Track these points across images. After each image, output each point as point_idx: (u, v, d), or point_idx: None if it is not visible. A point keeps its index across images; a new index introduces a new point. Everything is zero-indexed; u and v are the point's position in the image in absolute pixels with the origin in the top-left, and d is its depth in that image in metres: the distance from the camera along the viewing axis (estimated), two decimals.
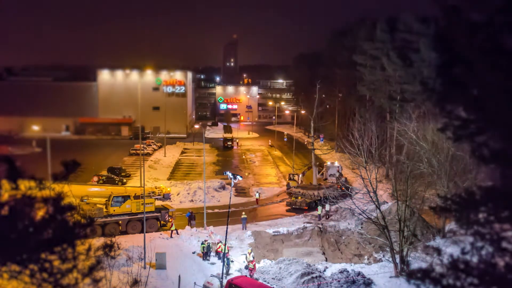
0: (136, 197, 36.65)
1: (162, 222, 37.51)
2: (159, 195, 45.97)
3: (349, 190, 33.68)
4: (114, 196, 36.42)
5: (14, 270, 4.53)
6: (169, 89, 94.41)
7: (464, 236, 5.32)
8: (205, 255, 31.85)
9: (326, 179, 54.48)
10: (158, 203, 40.74)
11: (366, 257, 33.25)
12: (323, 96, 72.20)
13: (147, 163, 61.38)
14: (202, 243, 32.24)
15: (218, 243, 32.30)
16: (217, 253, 31.98)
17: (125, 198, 36.54)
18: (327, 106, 75.46)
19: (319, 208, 42.15)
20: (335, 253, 34.38)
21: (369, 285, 27.85)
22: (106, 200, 37.27)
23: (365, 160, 32.11)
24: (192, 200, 46.91)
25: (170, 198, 46.81)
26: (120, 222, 35.88)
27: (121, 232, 35.36)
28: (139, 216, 35.18)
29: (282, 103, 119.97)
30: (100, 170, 56.05)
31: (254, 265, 29.84)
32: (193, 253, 32.37)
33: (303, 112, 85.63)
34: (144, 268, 26.85)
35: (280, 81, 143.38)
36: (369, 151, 32.86)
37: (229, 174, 36.45)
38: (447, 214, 5.37)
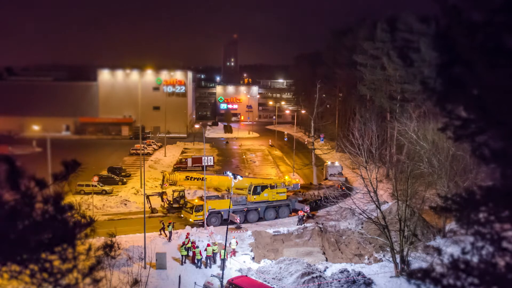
0: (272, 187, 42.08)
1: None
2: (288, 185, 47.45)
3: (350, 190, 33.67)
4: (254, 186, 41.31)
5: (14, 270, 4.53)
6: (170, 89, 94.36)
7: (464, 236, 5.32)
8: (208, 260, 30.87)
9: (326, 178, 54.50)
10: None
11: (366, 257, 33.23)
12: (324, 95, 72.13)
13: (148, 163, 61.35)
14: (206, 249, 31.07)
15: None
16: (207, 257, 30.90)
17: (264, 187, 41.61)
18: (328, 105, 75.35)
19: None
20: (335, 253, 34.34)
21: (369, 285, 27.88)
22: (248, 190, 41.72)
23: (365, 160, 32.11)
24: None
25: (299, 188, 49.01)
26: (258, 209, 40.96)
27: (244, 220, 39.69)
28: (274, 203, 41.71)
29: (283, 102, 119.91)
30: (100, 170, 56.05)
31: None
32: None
33: (303, 111, 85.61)
34: (145, 268, 26.86)
35: (281, 80, 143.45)
36: (370, 151, 32.85)
37: (230, 174, 36.53)
38: (447, 214, 5.37)
